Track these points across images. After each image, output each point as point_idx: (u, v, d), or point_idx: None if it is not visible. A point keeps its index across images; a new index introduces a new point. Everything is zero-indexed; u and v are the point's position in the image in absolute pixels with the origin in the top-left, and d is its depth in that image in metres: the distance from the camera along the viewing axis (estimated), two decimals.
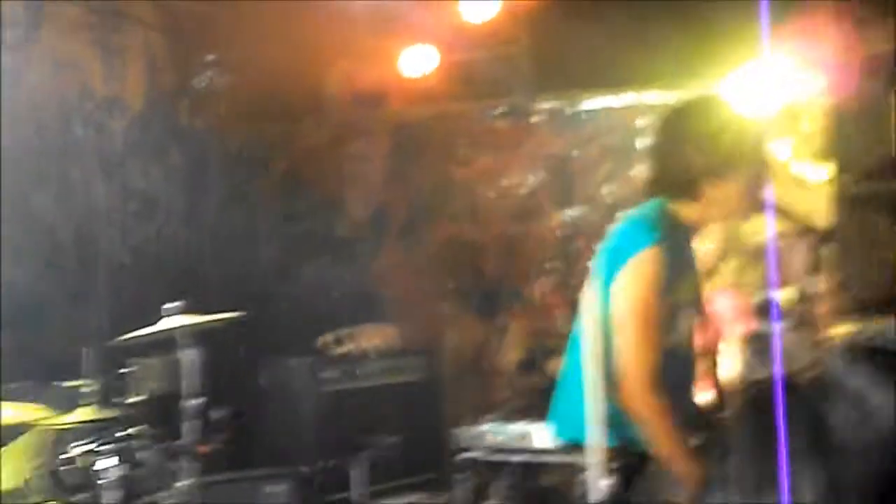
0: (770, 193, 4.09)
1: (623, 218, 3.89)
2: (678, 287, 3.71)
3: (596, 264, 3.79)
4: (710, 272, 5.85)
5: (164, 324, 5.25)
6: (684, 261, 3.79)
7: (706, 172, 3.72)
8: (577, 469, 3.77)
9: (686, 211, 3.78)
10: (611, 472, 3.61)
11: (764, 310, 5.80)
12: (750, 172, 3.80)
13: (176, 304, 5.31)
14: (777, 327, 5.74)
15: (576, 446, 3.77)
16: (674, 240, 3.72)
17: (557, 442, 3.94)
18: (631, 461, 3.67)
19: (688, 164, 3.73)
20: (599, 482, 3.61)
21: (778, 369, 3.96)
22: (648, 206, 3.82)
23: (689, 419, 3.72)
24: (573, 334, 3.87)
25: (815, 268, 6.36)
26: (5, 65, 6.75)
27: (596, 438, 3.61)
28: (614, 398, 3.62)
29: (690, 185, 3.75)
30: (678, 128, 3.83)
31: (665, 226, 3.72)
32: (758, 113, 6.20)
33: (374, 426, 6.74)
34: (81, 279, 7.22)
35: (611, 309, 3.67)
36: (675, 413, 3.63)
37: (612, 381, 3.63)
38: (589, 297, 3.76)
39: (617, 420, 3.61)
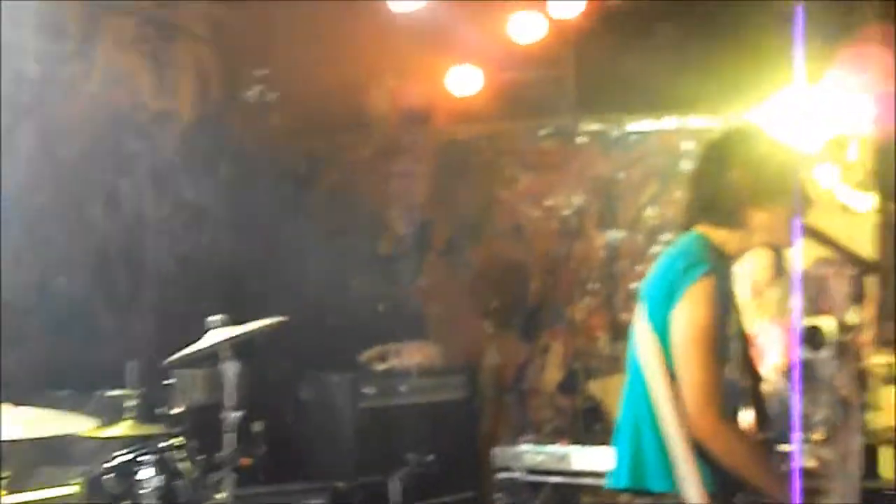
0: (808, 221, 4.04)
1: (666, 251, 3.86)
2: (727, 318, 3.69)
3: (644, 301, 3.75)
4: (758, 300, 5.83)
5: (208, 339, 5.31)
6: (729, 292, 3.77)
7: (750, 199, 3.71)
8: None
9: (726, 240, 3.76)
10: None
11: (803, 338, 5.79)
12: (793, 200, 3.79)
13: (219, 317, 5.36)
14: (804, 357, 5.70)
15: (648, 493, 3.70)
16: (719, 271, 3.70)
17: (626, 489, 3.84)
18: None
19: (733, 190, 3.71)
20: None
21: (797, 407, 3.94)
22: (690, 238, 3.80)
23: None
24: (628, 378, 3.81)
25: (858, 297, 6.33)
26: (61, 76, 6.86)
27: (690, 481, 3.57)
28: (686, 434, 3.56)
29: (734, 212, 3.73)
30: (724, 154, 3.80)
31: (711, 256, 3.71)
32: (802, 140, 6.21)
33: (414, 443, 6.75)
34: (129, 289, 7.30)
35: (673, 340, 3.63)
36: None
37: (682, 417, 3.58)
38: (643, 338, 3.72)
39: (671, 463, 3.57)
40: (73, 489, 5.01)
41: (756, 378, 3.89)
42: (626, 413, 3.79)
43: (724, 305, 3.66)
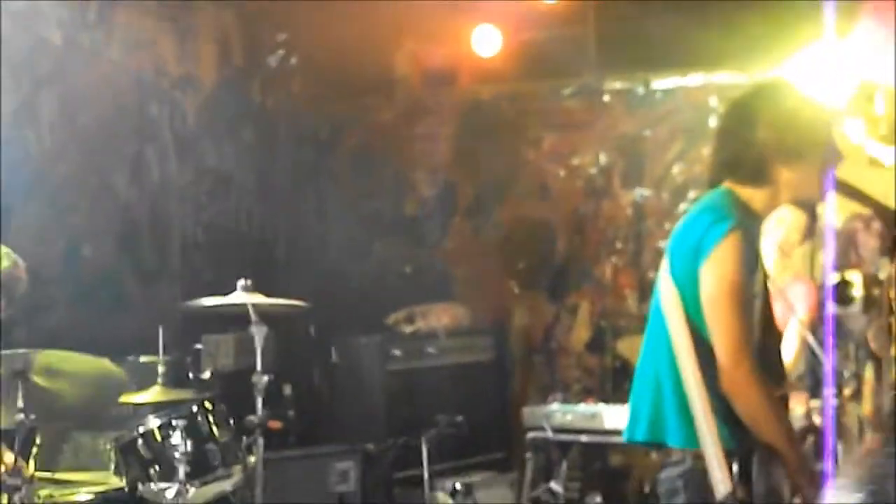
0: (838, 176, 4.00)
1: (694, 207, 3.82)
2: (752, 276, 3.66)
3: (670, 257, 3.71)
4: (786, 260, 5.78)
5: (237, 298, 5.29)
6: (756, 249, 3.74)
7: (778, 155, 3.67)
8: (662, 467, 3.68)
9: (754, 197, 3.73)
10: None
11: (832, 293, 5.75)
12: (821, 155, 3.76)
13: (248, 280, 5.36)
14: (835, 312, 5.66)
15: (661, 446, 3.68)
16: (746, 226, 3.67)
17: (644, 443, 3.81)
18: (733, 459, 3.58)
19: (759, 146, 3.68)
20: (719, 482, 3.51)
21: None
22: (717, 193, 3.76)
23: None
24: (648, 332, 3.78)
25: (888, 251, 6.28)
26: (82, 43, 6.84)
27: (710, 436, 3.51)
28: (714, 388, 3.53)
29: (761, 168, 3.69)
30: (750, 110, 3.76)
31: (738, 212, 3.68)
32: (830, 93, 6.14)
33: (443, 405, 6.75)
34: (155, 256, 7.32)
35: (703, 295, 3.60)
36: None
37: (709, 373, 3.54)
38: (667, 293, 3.69)
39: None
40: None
41: (776, 337, 3.86)
42: (646, 365, 3.77)
43: (750, 262, 3.63)
